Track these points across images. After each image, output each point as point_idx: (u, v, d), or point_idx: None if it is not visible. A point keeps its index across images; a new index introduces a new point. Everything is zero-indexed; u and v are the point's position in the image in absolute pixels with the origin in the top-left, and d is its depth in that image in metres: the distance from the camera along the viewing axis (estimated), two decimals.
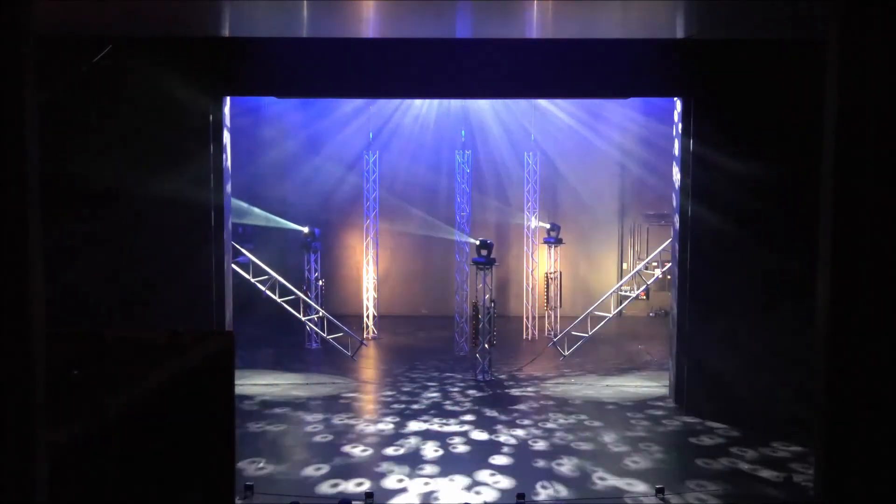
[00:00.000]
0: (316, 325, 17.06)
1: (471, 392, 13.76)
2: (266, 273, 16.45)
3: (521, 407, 12.75)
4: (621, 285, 17.52)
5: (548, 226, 19.24)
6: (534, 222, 19.51)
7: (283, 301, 16.60)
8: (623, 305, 17.20)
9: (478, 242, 15.51)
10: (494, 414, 12.27)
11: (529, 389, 14.02)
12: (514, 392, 13.81)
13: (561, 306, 18.76)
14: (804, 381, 9.87)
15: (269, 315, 17.65)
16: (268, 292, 16.41)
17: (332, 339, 16.76)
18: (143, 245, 11.70)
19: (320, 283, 18.10)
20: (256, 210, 18.53)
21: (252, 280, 16.23)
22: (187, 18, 10.82)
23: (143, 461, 2.73)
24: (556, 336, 17.18)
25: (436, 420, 11.89)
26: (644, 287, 17.18)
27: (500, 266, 20.47)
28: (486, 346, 14.85)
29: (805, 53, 10.74)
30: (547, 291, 18.83)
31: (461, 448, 10.63)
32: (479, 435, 11.17)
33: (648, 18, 10.85)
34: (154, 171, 11.61)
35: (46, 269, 1.92)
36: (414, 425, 11.58)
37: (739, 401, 11.71)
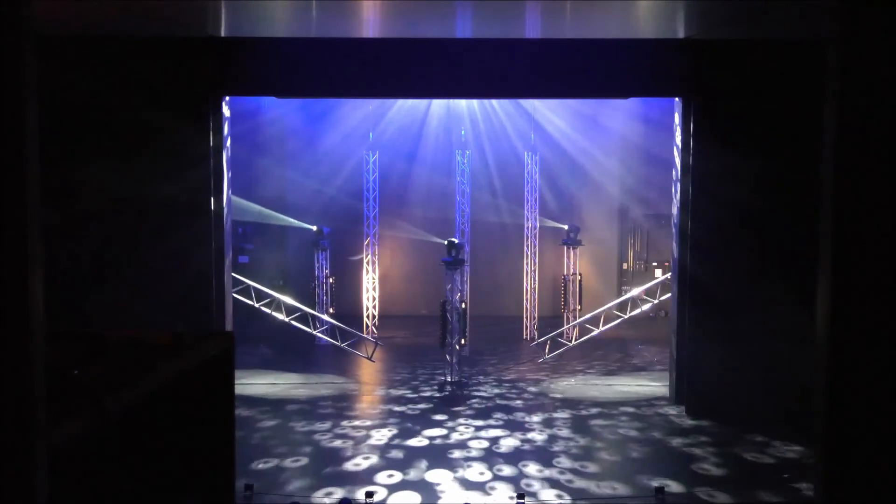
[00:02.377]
0: (327, 333, 16.83)
1: (428, 394, 13.76)
2: (268, 295, 16.14)
3: (465, 410, 12.66)
4: (613, 306, 17.00)
5: (565, 226, 19.07)
6: (532, 222, 19.47)
7: (292, 319, 16.25)
8: (609, 326, 16.72)
9: (446, 242, 15.26)
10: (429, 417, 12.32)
11: (485, 391, 13.97)
12: (474, 393, 13.78)
13: (581, 308, 18.51)
14: (804, 381, 9.87)
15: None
16: (274, 313, 16.07)
17: (346, 345, 16.45)
18: (143, 245, 11.70)
19: (330, 280, 18.19)
20: (260, 208, 18.54)
21: (256, 305, 15.90)
22: (186, 18, 10.82)
23: (143, 461, 2.73)
24: (538, 339, 17.02)
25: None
26: (637, 311, 16.59)
27: (502, 266, 20.49)
28: (457, 346, 14.78)
29: (805, 53, 10.76)
30: (564, 293, 18.66)
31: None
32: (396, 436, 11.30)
33: (648, 18, 10.86)
34: (153, 171, 11.61)
35: (46, 270, 1.92)
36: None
37: (739, 400, 11.71)
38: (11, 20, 1.79)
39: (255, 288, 15.94)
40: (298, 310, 16.34)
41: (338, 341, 16.44)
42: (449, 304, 14.81)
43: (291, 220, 19.24)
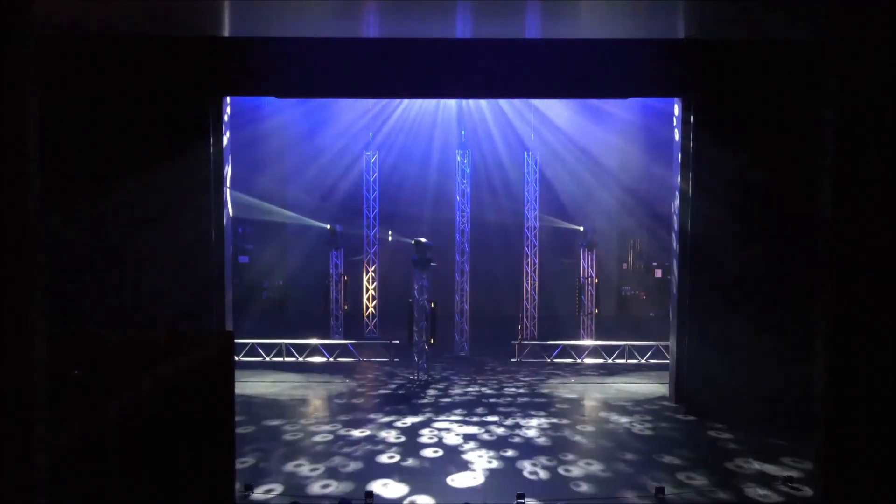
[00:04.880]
0: (342, 354, 16.65)
1: (386, 392, 13.78)
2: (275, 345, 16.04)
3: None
4: (603, 345, 16.75)
5: (581, 228, 19.02)
6: (532, 221, 19.43)
7: (305, 357, 16.05)
8: (591, 361, 16.47)
9: (412, 242, 15.04)
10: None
11: (436, 391, 13.92)
12: (432, 391, 13.79)
13: (597, 311, 18.35)
14: (804, 382, 9.86)
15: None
16: (285, 359, 15.91)
17: (365, 360, 16.32)
18: (144, 245, 11.69)
19: (345, 278, 18.37)
20: (269, 206, 18.56)
21: (267, 358, 15.74)
22: (187, 18, 10.82)
23: (143, 461, 2.74)
24: (527, 340, 16.98)
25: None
26: (622, 361, 16.33)
27: (505, 266, 20.43)
28: (426, 345, 14.71)
29: (805, 53, 10.77)
30: (580, 296, 18.60)
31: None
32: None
33: (648, 18, 10.85)
34: (154, 172, 11.61)
35: (47, 270, 1.92)
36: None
37: (739, 401, 11.70)
38: (12, 21, 1.80)
39: (258, 344, 15.83)
40: (309, 339, 16.17)
41: (356, 357, 16.21)
42: (416, 303, 14.70)
43: (307, 219, 19.29)
